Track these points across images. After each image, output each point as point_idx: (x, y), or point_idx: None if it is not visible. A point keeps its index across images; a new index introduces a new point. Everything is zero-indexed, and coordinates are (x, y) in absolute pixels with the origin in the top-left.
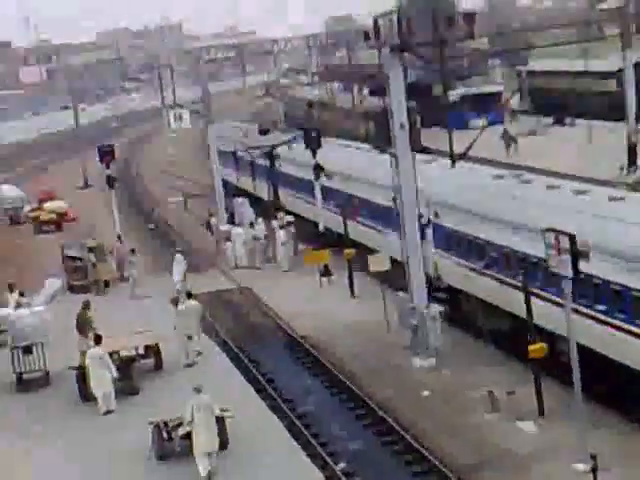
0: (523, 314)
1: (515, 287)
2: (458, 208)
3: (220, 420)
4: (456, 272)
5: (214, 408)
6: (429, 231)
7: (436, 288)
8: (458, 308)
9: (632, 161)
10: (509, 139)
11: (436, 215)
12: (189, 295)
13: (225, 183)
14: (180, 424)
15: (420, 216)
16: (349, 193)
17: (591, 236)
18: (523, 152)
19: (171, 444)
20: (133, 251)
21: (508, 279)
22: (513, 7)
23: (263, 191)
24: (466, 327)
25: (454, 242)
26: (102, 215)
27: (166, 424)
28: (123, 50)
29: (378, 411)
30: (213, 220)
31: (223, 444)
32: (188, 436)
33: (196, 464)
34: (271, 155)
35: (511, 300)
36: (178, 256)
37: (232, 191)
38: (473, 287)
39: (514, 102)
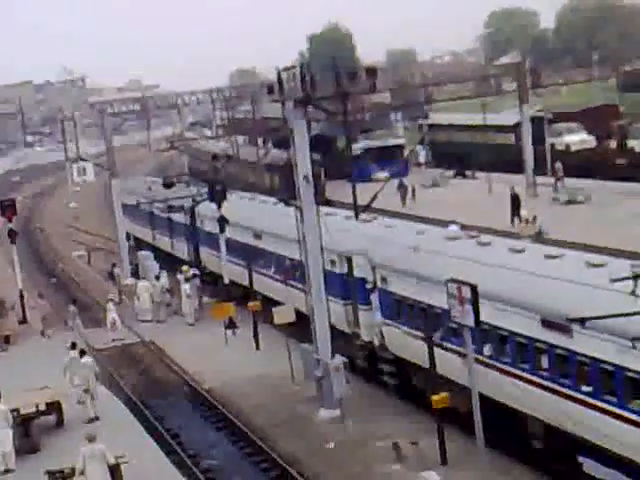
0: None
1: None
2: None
3: (116, 467)
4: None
5: (108, 457)
6: (374, 297)
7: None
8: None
9: (515, 212)
10: (404, 191)
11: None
12: (81, 352)
13: (133, 238)
14: (73, 473)
15: (364, 281)
16: (254, 245)
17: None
18: (425, 203)
19: None
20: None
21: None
22: (414, 62)
23: (181, 251)
24: (370, 378)
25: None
26: (2, 270)
27: (61, 472)
28: (25, 103)
29: (283, 464)
30: (116, 270)
31: None
32: None
33: None
34: (192, 212)
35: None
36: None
37: (143, 247)
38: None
39: (422, 155)
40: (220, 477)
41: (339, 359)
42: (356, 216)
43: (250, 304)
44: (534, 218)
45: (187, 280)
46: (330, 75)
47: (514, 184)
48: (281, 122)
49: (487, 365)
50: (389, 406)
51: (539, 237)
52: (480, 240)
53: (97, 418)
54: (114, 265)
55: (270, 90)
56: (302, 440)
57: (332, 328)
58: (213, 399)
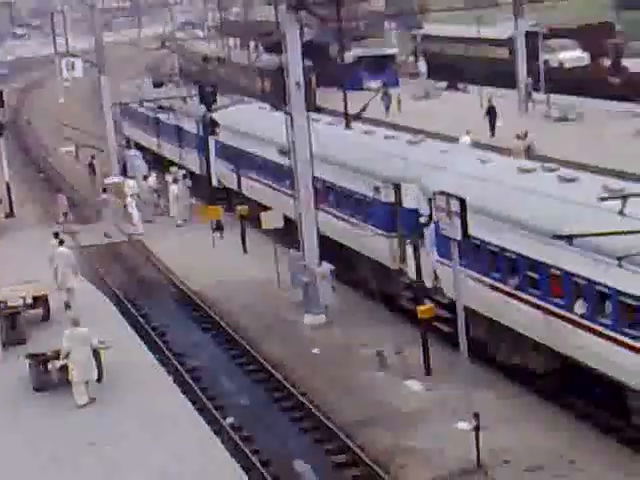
0: None
1: None
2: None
3: (96, 353)
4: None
5: (92, 340)
6: (429, 232)
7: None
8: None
9: (492, 125)
10: (388, 100)
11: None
12: (60, 242)
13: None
14: (58, 356)
15: (416, 213)
16: (243, 150)
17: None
18: (411, 113)
19: (48, 375)
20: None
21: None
22: None
23: (193, 163)
24: (359, 287)
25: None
26: None
27: (43, 355)
28: None
29: (268, 367)
30: (95, 162)
31: (100, 375)
32: (66, 368)
33: (72, 394)
34: (210, 121)
35: None
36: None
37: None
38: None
39: (421, 66)
40: (205, 377)
41: (326, 266)
42: (347, 125)
43: (238, 208)
44: (526, 134)
45: (175, 181)
46: None
47: (495, 96)
48: (274, 26)
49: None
50: (375, 315)
51: (529, 152)
52: (560, 174)
53: (69, 306)
54: (93, 157)
55: None
56: (287, 344)
57: (373, 262)
58: (199, 300)
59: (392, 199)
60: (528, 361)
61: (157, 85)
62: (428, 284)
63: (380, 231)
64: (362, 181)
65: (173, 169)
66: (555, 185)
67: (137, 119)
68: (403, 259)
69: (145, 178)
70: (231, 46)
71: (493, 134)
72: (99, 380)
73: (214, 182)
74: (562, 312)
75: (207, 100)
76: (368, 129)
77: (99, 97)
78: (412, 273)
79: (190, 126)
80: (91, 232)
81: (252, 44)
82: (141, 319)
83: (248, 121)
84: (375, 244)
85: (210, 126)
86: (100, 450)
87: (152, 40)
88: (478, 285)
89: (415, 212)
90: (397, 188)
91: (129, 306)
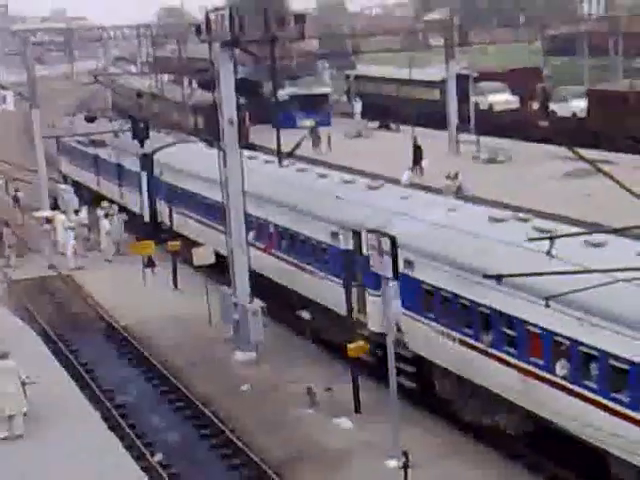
0: None
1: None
2: None
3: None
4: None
5: (19, 373)
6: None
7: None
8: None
9: (416, 162)
10: (316, 138)
11: None
12: None
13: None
14: None
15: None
16: (176, 185)
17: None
18: (342, 151)
19: None
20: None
21: None
22: (343, 12)
23: (133, 203)
24: (288, 323)
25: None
26: None
27: None
28: None
29: (197, 403)
30: (20, 194)
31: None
32: None
33: None
34: (150, 160)
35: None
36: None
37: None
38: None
39: (356, 106)
40: (133, 413)
41: (257, 303)
42: (279, 161)
43: (170, 244)
44: (456, 175)
45: (107, 216)
46: (259, 19)
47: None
48: (207, 63)
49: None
50: (305, 352)
51: (459, 193)
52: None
53: None
54: (17, 190)
55: (198, 30)
56: (217, 381)
57: (327, 310)
58: (129, 336)
59: (351, 246)
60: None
61: (90, 120)
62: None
63: (337, 279)
64: (318, 227)
65: (104, 204)
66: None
67: (75, 155)
68: (363, 310)
69: (76, 212)
70: (164, 82)
71: (420, 172)
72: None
73: (146, 218)
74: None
75: (140, 135)
76: (322, 172)
77: (31, 130)
78: (373, 324)
79: (131, 164)
80: (21, 266)
81: (186, 80)
82: (70, 355)
83: (184, 159)
84: (331, 292)
85: (143, 161)
86: None
87: (86, 74)
88: (445, 339)
89: None
90: (357, 235)
91: (58, 342)
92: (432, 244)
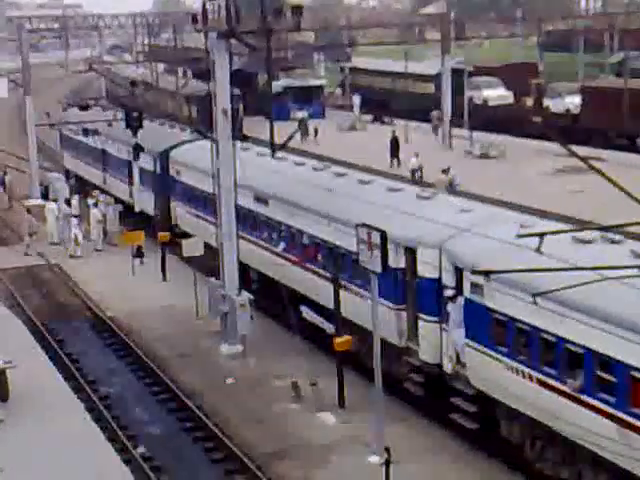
0: None
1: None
2: None
3: (2, 372)
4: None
5: None
6: (454, 308)
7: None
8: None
9: (395, 155)
10: (305, 129)
11: None
12: None
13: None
14: None
15: (435, 284)
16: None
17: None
18: (332, 143)
19: None
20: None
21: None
22: (339, 4)
23: (147, 204)
24: (277, 317)
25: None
26: None
27: None
28: None
29: (181, 396)
30: (8, 178)
31: (4, 396)
32: None
33: None
34: (165, 158)
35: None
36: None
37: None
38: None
39: (356, 100)
40: (118, 405)
41: (245, 295)
42: (272, 154)
43: (159, 234)
44: (448, 169)
45: (96, 205)
46: (255, 10)
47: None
48: (203, 53)
49: None
50: (292, 346)
51: (450, 188)
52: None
53: None
54: (5, 173)
55: (194, 20)
56: (203, 374)
57: (365, 331)
58: (116, 327)
59: (402, 265)
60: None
61: (83, 108)
62: (447, 369)
63: (386, 301)
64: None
65: (95, 192)
66: None
67: (79, 150)
68: (413, 336)
69: (67, 202)
70: (159, 71)
71: (398, 164)
72: (4, 400)
73: (136, 208)
74: None
75: (133, 125)
76: (340, 170)
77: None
78: (425, 354)
79: (145, 163)
80: (8, 254)
81: (180, 70)
82: (55, 345)
83: (186, 154)
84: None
85: (136, 151)
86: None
87: (80, 62)
88: (519, 377)
89: (434, 282)
90: (411, 253)
91: (44, 331)
92: (505, 266)
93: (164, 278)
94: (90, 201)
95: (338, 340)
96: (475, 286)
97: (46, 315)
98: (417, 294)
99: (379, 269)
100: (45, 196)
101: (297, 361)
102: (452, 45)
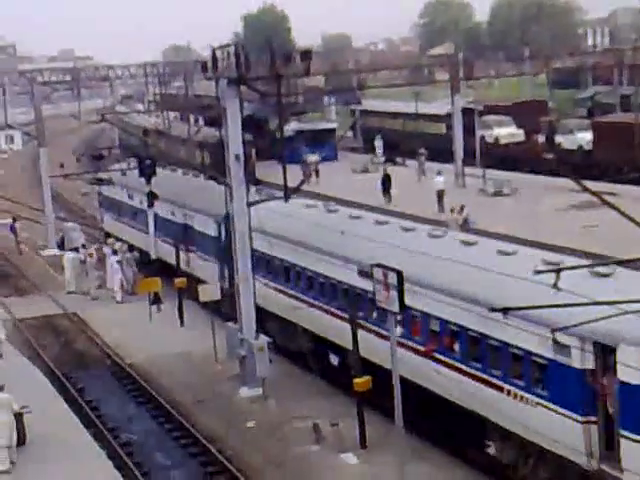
0: None
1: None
2: None
3: (18, 416)
4: None
5: (12, 405)
6: None
7: None
8: None
9: (386, 190)
10: (307, 169)
11: None
12: None
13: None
14: None
15: None
16: (182, 223)
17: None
18: (334, 184)
19: None
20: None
21: None
22: (349, 48)
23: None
24: (295, 359)
25: None
26: None
27: None
28: None
29: (203, 441)
30: (17, 224)
31: (21, 439)
32: None
33: None
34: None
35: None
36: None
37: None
38: None
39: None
40: (139, 451)
41: (263, 339)
42: (286, 198)
43: (176, 280)
44: (462, 208)
45: (114, 253)
46: (264, 56)
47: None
48: (214, 100)
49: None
50: (311, 387)
51: (465, 226)
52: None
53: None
54: (14, 220)
55: (204, 68)
56: (223, 418)
57: (545, 452)
58: (135, 374)
59: (590, 365)
60: None
61: (97, 158)
62: None
63: (566, 411)
64: (526, 334)
65: (110, 240)
66: None
67: (122, 211)
68: (607, 457)
69: (83, 247)
70: (171, 119)
71: (389, 200)
72: (22, 443)
73: (152, 256)
74: None
75: (146, 173)
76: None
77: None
78: None
79: (204, 227)
80: (28, 304)
81: (192, 117)
82: (75, 393)
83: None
84: (553, 427)
85: (149, 198)
86: None
87: (93, 113)
88: None
89: None
90: (606, 351)
91: (64, 380)
92: None
93: (182, 323)
94: (107, 250)
95: (357, 380)
96: None
97: (66, 364)
98: (620, 406)
99: (397, 309)
100: (61, 246)
101: (317, 402)
102: (462, 85)
